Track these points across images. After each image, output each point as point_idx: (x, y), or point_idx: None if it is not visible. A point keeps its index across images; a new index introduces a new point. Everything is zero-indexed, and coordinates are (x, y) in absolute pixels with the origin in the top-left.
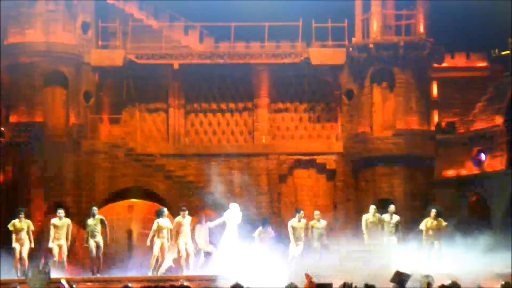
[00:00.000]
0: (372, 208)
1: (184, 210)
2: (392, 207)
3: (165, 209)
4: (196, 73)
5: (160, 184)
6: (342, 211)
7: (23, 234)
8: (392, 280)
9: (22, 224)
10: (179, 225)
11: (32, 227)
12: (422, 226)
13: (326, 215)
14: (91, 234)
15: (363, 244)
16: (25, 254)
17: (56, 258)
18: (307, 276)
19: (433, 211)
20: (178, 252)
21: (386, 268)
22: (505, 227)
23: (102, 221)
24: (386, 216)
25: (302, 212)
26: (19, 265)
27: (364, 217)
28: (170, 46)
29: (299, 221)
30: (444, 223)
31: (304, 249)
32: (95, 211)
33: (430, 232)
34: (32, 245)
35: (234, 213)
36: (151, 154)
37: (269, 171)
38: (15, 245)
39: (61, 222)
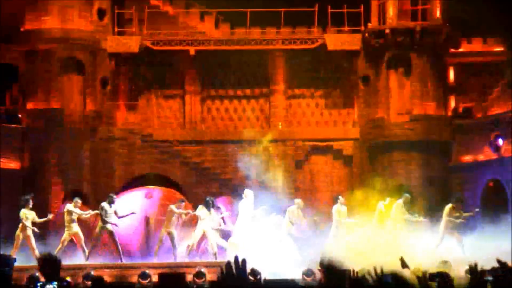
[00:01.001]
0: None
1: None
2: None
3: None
4: (212, 59)
5: (176, 170)
6: (359, 197)
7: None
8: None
9: (31, 213)
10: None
11: (36, 219)
12: (446, 214)
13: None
14: (103, 221)
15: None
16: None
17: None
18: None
19: (456, 200)
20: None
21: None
22: None
23: (115, 213)
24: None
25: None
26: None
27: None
28: (186, 32)
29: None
30: (466, 213)
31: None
32: (114, 198)
33: (453, 220)
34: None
35: (249, 200)
36: (168, 140)
37: (285, 157)
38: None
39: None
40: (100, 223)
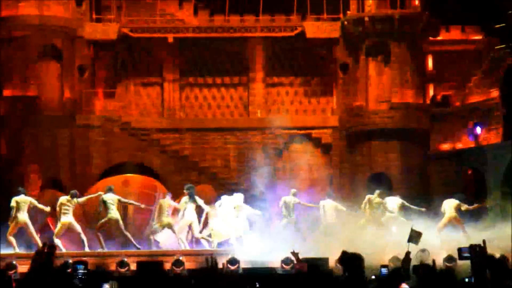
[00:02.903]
0: (376, 193)
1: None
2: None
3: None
4: (191, 46)
5: (155, 158)
6: (338, 185)
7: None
8: (409, 239)
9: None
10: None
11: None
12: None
13: (322, 189)
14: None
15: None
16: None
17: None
18: (294, 253)
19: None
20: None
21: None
22: (502, 200)
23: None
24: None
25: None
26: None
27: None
28: (165, 19)
29: None
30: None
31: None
32: (112, 187)
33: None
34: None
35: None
36: (146, 128)
37: (264, 145)
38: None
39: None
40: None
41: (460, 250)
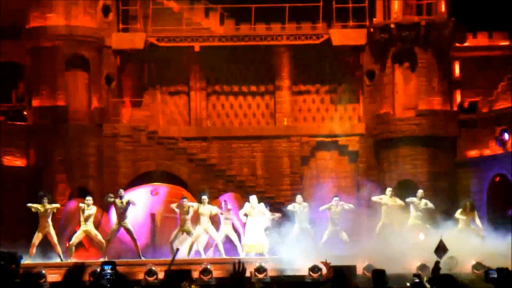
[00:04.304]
0: (389, 190)
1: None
2: (420, 192)
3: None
4: (217, 55)
5: (182, 167)
6: (365, 193)
7: (48, 220)
8: (436, 251)
9: (47, 209)
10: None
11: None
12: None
13: (349, 197)
14: (120, 217)
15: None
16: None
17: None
18: (324, 263)
19: (468, 205)
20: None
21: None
22: None
23: (129, 202)
24: (414, 199)
25: None
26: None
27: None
28: (191, 28)
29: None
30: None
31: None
32: (122, 192)
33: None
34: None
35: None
36: (173, 137)
37: (291, 153)
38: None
39: (88, 209)
40: (117, 220)
41: (487, 272)
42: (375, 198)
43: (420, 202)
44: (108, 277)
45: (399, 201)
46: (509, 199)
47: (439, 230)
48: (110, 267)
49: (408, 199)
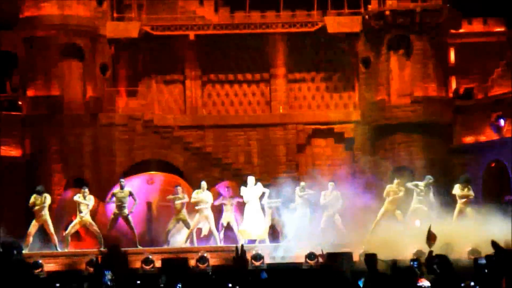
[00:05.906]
0: (396, 182)
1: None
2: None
3: None
4: (212, 43)
5: (178, 156)
6: (361, 180)
7: (45, 211)
8: (426, 240)
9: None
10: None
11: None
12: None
13: (345, 184)
14: (119, 207)
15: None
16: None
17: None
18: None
19: (463, 179)
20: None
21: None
22: None
23: (131, 194)
24: (419, 183)
25: None
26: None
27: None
28: (186, 17)
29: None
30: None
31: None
32: (123, 183)
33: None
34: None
35: (251, 187)
36: (169, 126)
37: (287, 141)
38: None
39: (85, 199)
40: (115, 210)
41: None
42: (409, 185)
43: (424, 187)
44: (108, 284)
45: (403, 191)
46: (505, 185)
47: (436, 216)
48: (109, 272)
49: (411, 184)
